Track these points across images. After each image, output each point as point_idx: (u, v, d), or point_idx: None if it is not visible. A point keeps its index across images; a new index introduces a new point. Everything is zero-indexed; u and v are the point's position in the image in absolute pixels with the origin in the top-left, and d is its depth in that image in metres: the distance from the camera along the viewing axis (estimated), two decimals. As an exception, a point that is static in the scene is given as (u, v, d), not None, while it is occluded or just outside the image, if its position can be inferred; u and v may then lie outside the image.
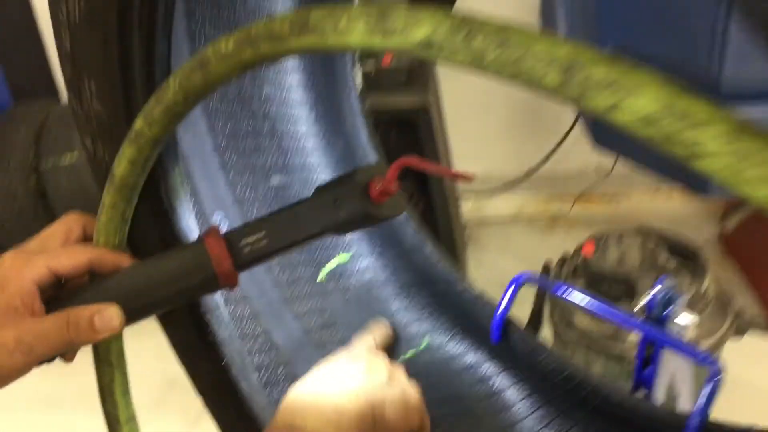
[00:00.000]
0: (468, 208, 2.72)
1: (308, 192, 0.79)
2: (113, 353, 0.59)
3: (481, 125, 2.57)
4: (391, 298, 0.78)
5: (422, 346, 0.78)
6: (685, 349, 0.64)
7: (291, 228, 0.52)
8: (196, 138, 0.69)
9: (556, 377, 0.69)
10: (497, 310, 0.70)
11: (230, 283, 0.53)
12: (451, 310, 0.77)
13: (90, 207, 2.16)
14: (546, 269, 2.43)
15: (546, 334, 1.80)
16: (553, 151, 2.44)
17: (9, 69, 2.50)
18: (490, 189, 2.57)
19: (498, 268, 2.41)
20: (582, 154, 2.59)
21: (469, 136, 2.51)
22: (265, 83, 0.72)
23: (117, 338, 0.60)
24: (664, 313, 0.69)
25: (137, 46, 0.51)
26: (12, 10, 2.44)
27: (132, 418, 0.61)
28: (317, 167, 0.77)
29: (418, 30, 0.34)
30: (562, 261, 1.87)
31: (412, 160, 0.48)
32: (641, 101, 0.28)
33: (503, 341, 0.71)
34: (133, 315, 0.54)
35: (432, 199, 1.98)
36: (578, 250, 1.77)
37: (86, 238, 0.59)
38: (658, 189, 2.73)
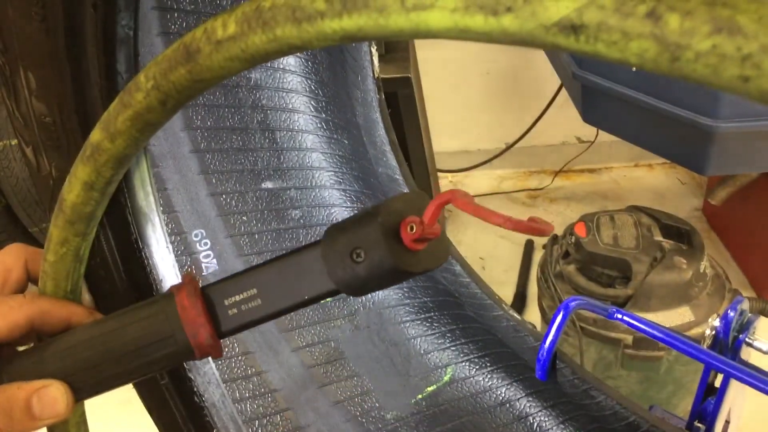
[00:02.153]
0: (446, 182, 2.63)
1: (307, 198, 0.66)
2: (71, 426, 0.46)
3: (459, 98, 2.48)
4: (408, 322, 0.66)
5: (445, 379, 0.65)
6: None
7: (293, 286, 0.38)
8: (168, 137, 0.54)
9: (614, 422, 0.57)
10: (544, 341, 0.58)
11: (210, 354, 0.40)
12: (481, 336, 0.65)
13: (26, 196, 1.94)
14: (528, 247, 2.36)
15: (533, 317, 1.73)
16: (533, 124, 2.37)
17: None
18: (469, 163, 2.48)
19: (478, 245, 2.33)
20: (562, 128, 2.53)
21: (448, 109, 2.43)
22: (255, 67, 0.57)
23: (80, 420, 0.46)
24: (738, 339, 0.58)
25: (90, 24, 0.36)
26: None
27: None
28: (318, 168, 0.63)
29: (555, 3, 0.20)
30: (552, 241, 1.81)
31: (462, 201, 0.34)
32: None
33: (550, 378, 0.59)
34: (85, 391, 0.42)
35: (412, 174, 1.88)
36: (570, 231, 1.71)
37: (31, 280, 0.45)
38: (639, 162, 2.69)
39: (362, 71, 0.62)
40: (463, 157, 2.54)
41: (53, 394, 0.39)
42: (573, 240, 1.69)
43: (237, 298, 0.38)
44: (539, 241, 2.27)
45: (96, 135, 0.35)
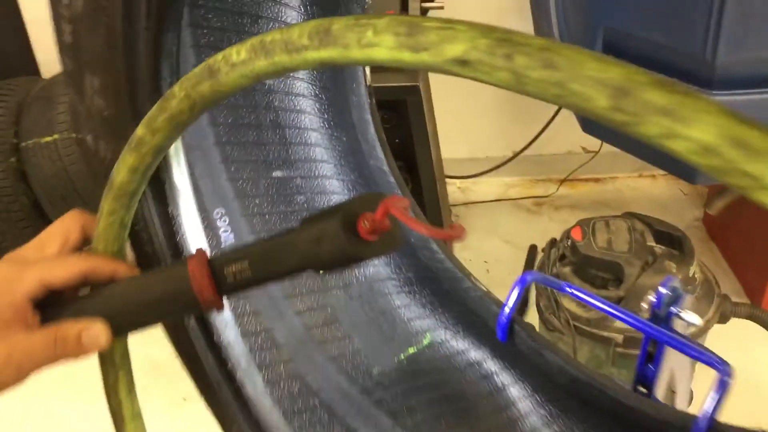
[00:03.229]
0: (454, 189, 2.73)
1: (310, 185, 0.78)
2: (117, 354, 0.59)
3: (467, 107, 2.56)
4: (394, 294, 0.77)
5: (424, 343, 0.77)
6: (695, 351, 0.64)
7: (274, 261, 0.49)
8: (197, 131, 0.67)
9: (561, 377, 0.68)
10: (504, 308, 0.69)
11: (214, 308, 0.52)
12: (455, 307, 0.76)
13: (70, 188, 2.11)
14: (532, 252, 2.45)
15: (532, 318, 1.82)
16: (540, 133, 2.45)
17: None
18: (476, 170, 2.57)
19: (483, 249, 2.42)
20: (568, 137, 2.61)
21: (456, 117, 2.51)
22: (259, 82, 0.69)
23: (120, 340, 0.59)
24: (669, 312, 0.69)
25: (143, 39, 0.48)
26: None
27: (137, 416, 0.60)
28: (321, 161, 0.75)
29: (452, 46, 0.32)
30: (551, 245, 1.88)
31: (397, 208, 0.43)
32: (699, 130, 0.27)
33: (509, 339, 0.71)
34: (121, 330, 0.55)
35: (419, 179, 1.98)
36: (567, 235, 1.78)
37: (86, 240, 0.57)
38: (642, 172, 2.76)
39: (357, 80, 0.75)
40: (470, 163, 2.63)
41: (97, 331, 0.52)
42: (569, 243, 1.76)
43: (233, 268, 0.50)
44: (542, 246, 2.36)
45: (140, 130, 0.47)
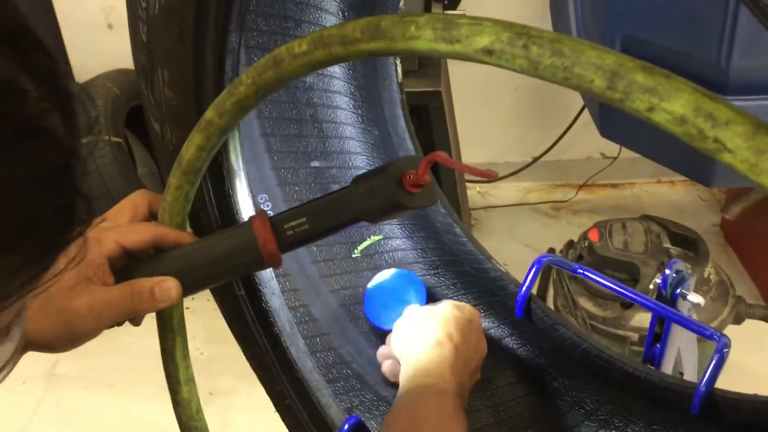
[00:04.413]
0: (474, 193, 2.78)
1: (345, 176, 0.85)
2: (175, 320, 0.65)
3: (488, 112, 2.61)
4: (421, 277, 0.84)
5: (448, 321, 0.83)
6: (694, 325, 0.70)
7: (329, 214, 0.56)
8: (246, 122, 0.75)
9: (573, 350, 0.75)
10: (521, 288, 0.76)
11: (274, 262, 0.58)
12: (477, 288, 0.83)
13: (102, 189, 2.20)
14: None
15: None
16: (559, 139, 2.49)
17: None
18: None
19: (502, 253, 2.44)
20: (587, 143, 2.66)
21: (477, 122, 2.56)
22: (315, 71, 0.77)
23: (178, 306, 0.65)
24: (674, 293, 0.75)
25: (211, 39, 0.56)
26: (30, -7, 2.49)
27: (191, 379, 0.66)
28: (354, 153, 0.83)
29: (480, 38, 0.39)
30: (569, 246, 1.93)
31: (442, 156, 0.52)
32: (675, 104, 0.33)
33: (526, 317, 0.77)
34: (190, 287, 0.60)
35: (440, 183, 2.03)
36: (584, 236, 1.83)
37: (151, 215, 0.65)
38: (661, 178, 2.78)
39: (389, 77, 0.82)
40: (490, 168, 2.67)
41: (169, 285, 0.58)
42: (586, 244, 1.80)
43: (292, 223, 0.57)
44: (560, 249, 2.41)
45: (209, 113, 0.55)
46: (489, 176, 0.51)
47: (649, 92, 0.33)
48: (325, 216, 0.56)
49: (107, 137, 2.33)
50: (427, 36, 0.40)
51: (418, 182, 0.52)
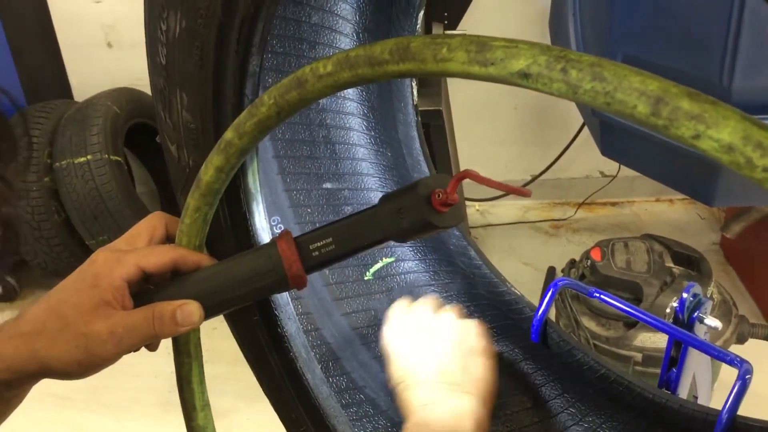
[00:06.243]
0: (473, 211, 2.78)
1: (357, 197, 0.84)
2: (192, 345, 0.64)
3: (488, 131, 2.63)
4: (433, 299, 0.83)
5: (461, 345, 0.82)
6: (715, 351, 0.69)
7: (356, 234, 0.55)
8: (260, 144, 0.74)
9: (590, 376, 0.74)
10: (537, 311, 0.75)
11: (300, 284, 0.57)
12: (491, 311, 0.82)
13: (101, 207, 2.17)
14: (550, 273, 2.48)
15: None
16: (558, 157, 2.50)
17: (23, 70, 2.55)
18: (496, 193, 2.63)
19: (502, 271, 2.45)
20: (586, 161, 2.67)
21: (477, 141, 2.58)
22: (340, 91, 0.76)
23: (195, 331, 0.64)
24: (692, 317, 0.74)
25: (232, 62, 0.55)
26: (28, 13, 2.49)
27: (207, 405, 0.65)
28: (367, 174, 0.82)
29: (516, 62, 0.38)
30: (570, 264, 1.92)
31: (473, 174, 0.51)
32: (723, 132, 0.33)
33: (542, 341, 0.76)
34: (211, 311, 0.59)
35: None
36: (586, 255, 1.82)
37: (168, 237, 0.64)
38: (660, 196, 2.79)
39: (404, 99, 0.82)
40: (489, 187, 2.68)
41: (191, 309, 0.57)
42: (589, 263, 1.80)
43: (318, 244, 0.56)
44: (560, 268, 2.40)
45: (229, 134, 0.54)
46: (524, 194, 0.50)
47: (695, 119, 0.33)
48: (352, 236, 0.56)
49: (106, 156, 2.32)
50: (460, 58, 0.40)
51: (447, 201, 0.52)
